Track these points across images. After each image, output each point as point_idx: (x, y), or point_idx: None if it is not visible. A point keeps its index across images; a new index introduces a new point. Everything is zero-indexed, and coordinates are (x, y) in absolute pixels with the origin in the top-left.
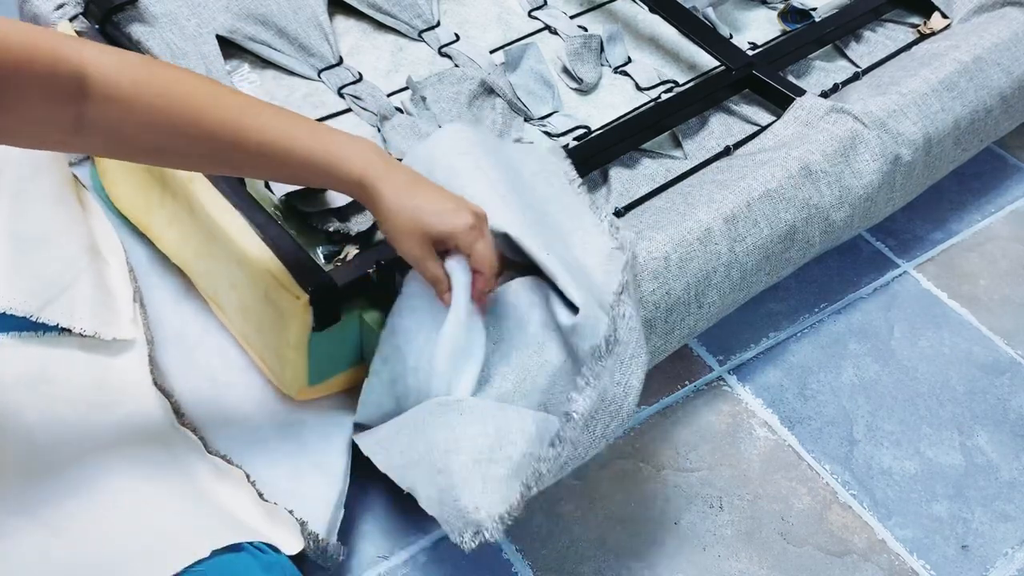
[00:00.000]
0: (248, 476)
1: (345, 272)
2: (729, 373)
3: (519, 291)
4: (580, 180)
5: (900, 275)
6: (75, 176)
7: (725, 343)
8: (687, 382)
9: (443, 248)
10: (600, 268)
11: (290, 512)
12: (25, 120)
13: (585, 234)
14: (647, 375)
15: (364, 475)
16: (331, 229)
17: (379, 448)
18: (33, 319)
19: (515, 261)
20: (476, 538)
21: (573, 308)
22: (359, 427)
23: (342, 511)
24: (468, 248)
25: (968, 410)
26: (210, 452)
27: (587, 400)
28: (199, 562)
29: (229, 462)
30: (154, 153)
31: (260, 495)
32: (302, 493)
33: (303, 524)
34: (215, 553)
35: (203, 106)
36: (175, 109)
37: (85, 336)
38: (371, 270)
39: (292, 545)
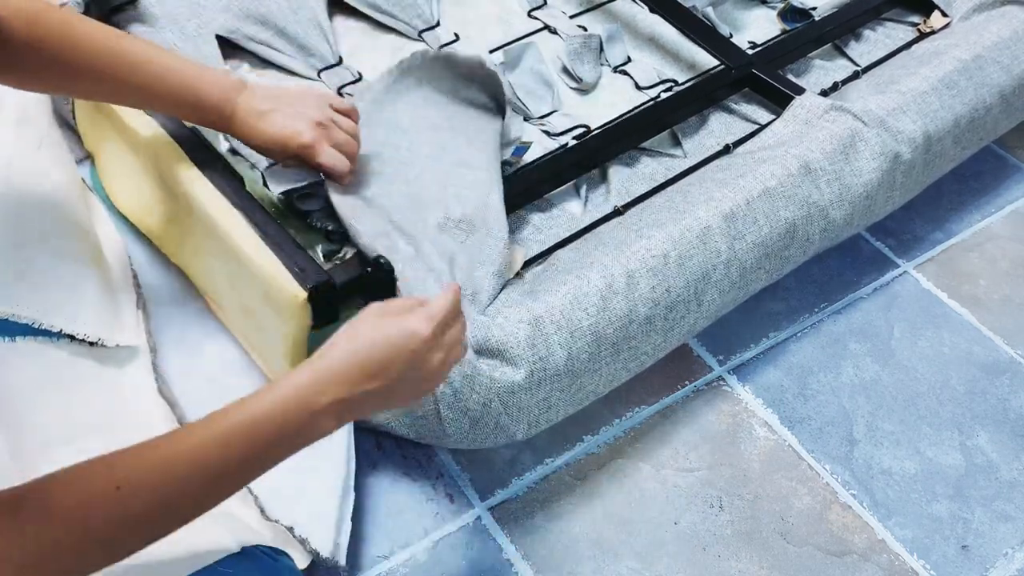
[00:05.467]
0: (251, 490)
1: (344, 271)
2: (729, 373)
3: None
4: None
5: (900, 275)
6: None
7: (725, 343)
8: (687, 382)
9: (296, 152)
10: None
11: (289, 529)
12: None
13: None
14: (647, 374)
15: (365, 476)
16: (330, 228)
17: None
18: (36, 326)
19: None
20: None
21: None
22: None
23: (348, 523)
24: (317, 153)
25: (968, 410)
26: None
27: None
28: (206, 568)
29: None
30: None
31: (262, 511)
32: (304, 500)
33: (304, 541)
34: (222, 560)
35: (84, 33)
36: (66, 45)
37: (92, 344)
38: (370, 268)
39: (299, 560)
